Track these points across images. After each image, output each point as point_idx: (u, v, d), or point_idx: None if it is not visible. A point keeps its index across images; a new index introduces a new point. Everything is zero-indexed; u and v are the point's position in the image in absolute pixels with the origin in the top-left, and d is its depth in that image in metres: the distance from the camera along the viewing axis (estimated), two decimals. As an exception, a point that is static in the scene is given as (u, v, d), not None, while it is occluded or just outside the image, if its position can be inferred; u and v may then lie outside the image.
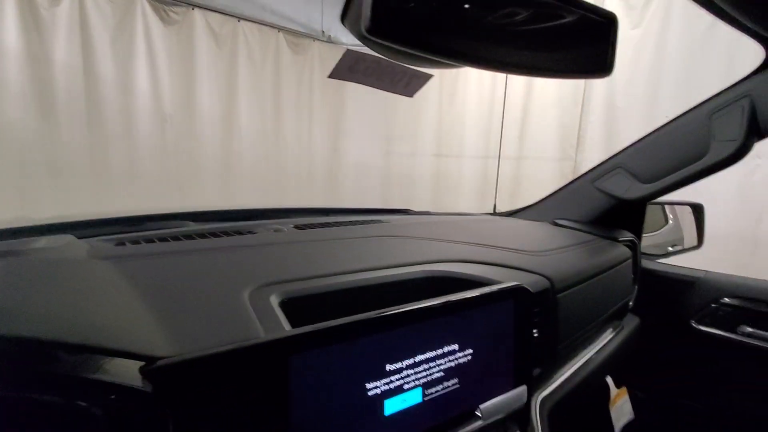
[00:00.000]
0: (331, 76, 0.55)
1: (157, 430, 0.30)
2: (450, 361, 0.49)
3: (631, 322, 0.97)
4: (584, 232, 1.00)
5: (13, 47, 2.19)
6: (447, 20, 0.35)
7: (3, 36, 2.15)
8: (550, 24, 0.41)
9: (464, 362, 0.50)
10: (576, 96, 2.84)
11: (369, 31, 0.30)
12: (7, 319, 0.28)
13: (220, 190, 2.90)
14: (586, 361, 0.79)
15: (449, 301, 0.48)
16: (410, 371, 0.45)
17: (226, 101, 2.98)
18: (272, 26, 3.10)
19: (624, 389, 0.86)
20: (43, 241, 0.50)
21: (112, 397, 0.29)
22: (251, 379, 0.34)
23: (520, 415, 0.57)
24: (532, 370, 0.61)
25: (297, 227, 0.76)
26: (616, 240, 0.97)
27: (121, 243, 0.55)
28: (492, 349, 0.53)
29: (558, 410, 0.66)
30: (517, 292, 0.56)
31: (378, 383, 0.42)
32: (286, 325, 0.41)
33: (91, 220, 0.70)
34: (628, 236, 1.01)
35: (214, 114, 2.94)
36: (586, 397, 0.81)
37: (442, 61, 0.40)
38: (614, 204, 1.02)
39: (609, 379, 0.86)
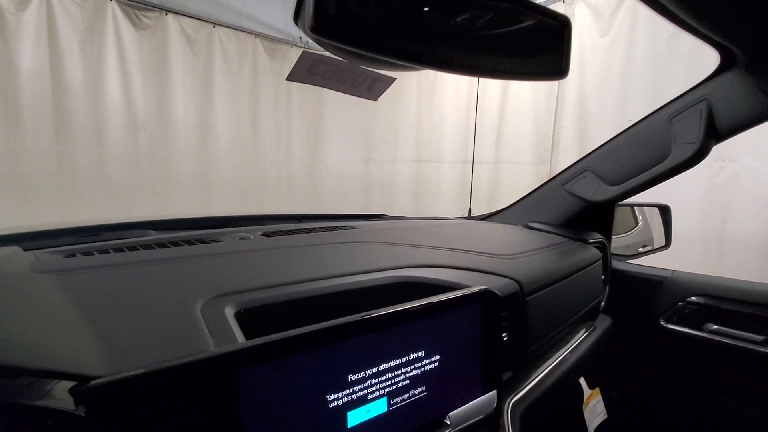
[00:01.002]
0: (289, 78, 0.54)
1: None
2: (416, 368, 0.48)
3: (603, 323, 0.98)
4: (555, 234, 1.02)
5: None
6: (396, 20, 0.34)
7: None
8: (504, 26, 0.41)
9: (431, 369, 0.49)
10: (550, 102, 2.90)
11: (312, 29, 0.29)
12: None
13: (196, 199, 2.84)
14: (559, 363, 0.79)
15: (413, 306, 0.47)
16: (374, 380, 0.44)
17: (201, 108, 2.93)
18: (249, 32, 3.07)
19: (597, 390, 0.87)
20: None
21: (42, 422, 0.27)
22: (198, 398, 0.32)
23: (491, 420, 0.56)
24: (502, 375, 0.61)
25: (265, 234, 0.74)
26: (586, 242, 0.99)
27: (72, 255, 0.53)
28: (460, 355, 0.52)
29: (531, 414, 0.66)
30: (484, 295, 0.55)
31: (339, 395, 0.41)
32: (240, 338, 0.39)
33: (42, 230, 0.67)
34: (598, 238, 1.02)
35: (190, 121, 2.88)
36: (560, 399, 0.81)
37: (395, 62, 0.39)
38: (584, 206, 1.04)
39: (582, 380, 0.87)
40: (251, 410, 0.35)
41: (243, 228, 0.82)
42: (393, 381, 0.45)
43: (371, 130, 3.72)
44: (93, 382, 0.28)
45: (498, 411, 0.57)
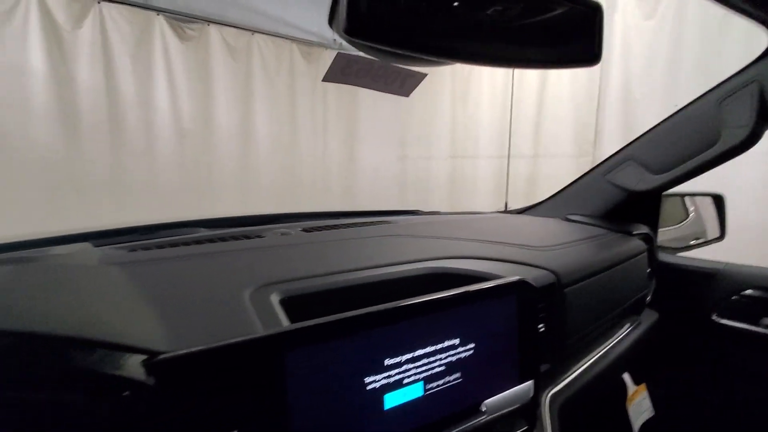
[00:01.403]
0: (325, 79, 0.57)
1: (159, 422, 0.32)
2: (451, 355, 0.49)
3: (649, 317, 0.95)
4: (596, 226, 0.99)
5: (39, 69, 2.30)
6: (426, 17, 0.36)
7: (29, 59, 2.27)
8: (535, 16, 0.41)
9: (466, 357, 0.50)
10: (591, 90, 2.79)
11: (347, 31, 0.31)
12: (22, 318, 0.30)
13: (237, 202, 2.96)
14: (600, 357, 0.77)
15: (448, 295, 0.48)
16: (410, 365, 0.45)
17: (242, 113, 3.05)
18: (285, 37, 3.17)
19: (643, 386, 0.84)
20: (60, 249, 0.53)
21: (118, 389, 0.31)
22: (249, 374, 0.35)
23: (528, 411, 0.56)
24: (540, 366, 0.61)
25: (304, 230, 0.78)
26: (629, 233, 0.95)
27: (134, 250, 0.58)
28: (495, 344, 0.53)
29: (570, 407, 0.65)
30: (519, 286, 0.55)
31: (377, 377, 0.43)
32: (285, 322, 0.42)
33: (108, 230, 0.74)
34: (642, 229, 0.98)
35: (231, 126, 3.01)
36: (601, 394, 0.79)
37: (427, 58, 0.40)
38: (626, 197, 1.00)
39: (626, 376, 0.84)
40: (296, 389, 0.37)
41: (284, 225, 0.86)
42: (429, 367, 0.47)
43: (406, 128, 3.73)
44: (161, 357, 0.31)
45: (535, 402, 0.57)
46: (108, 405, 0.31)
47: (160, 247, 0.60)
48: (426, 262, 0.60)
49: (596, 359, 0.76)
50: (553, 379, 0.66)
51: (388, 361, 0.44)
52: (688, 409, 1.00)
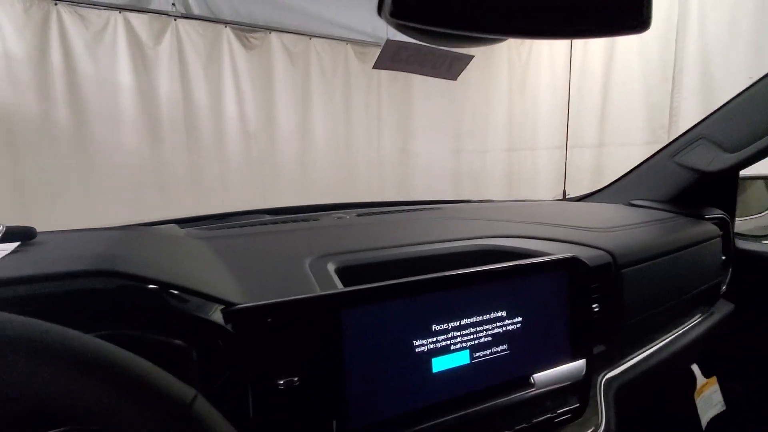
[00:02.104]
0: (375, 66, 0.60)
1: (233, 365, 0.37)
2: (498, 327, 0.50)
3: (723, 308, 0.88)
4: (662, 210, 0.93)
5: (126, 83, 2.59)
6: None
7: (118, 74, 2.56)
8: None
9: (513, 330, 0.51)
10: (665, 70, 2.57)
11: (393, 15, 0.34)
12: (136, 264, 0.36)
13: (297, 197, 3.11)
14: (666, 345, 0.74)
15: (494, 268, 0.50)
16: (457, 333, 0.48)
17: (301, 115, 3.20)
18: (340, 39, 3.27)
19: (713, 379, 0.78)
20: (152, 228, 0.62)
21: (205, 333, 0.37)
22: (308, 328, 0.40)
23: (580, 389, 0.56)
24: (593, 346, 0.60)
25: (358, 215, 0.83)
26: (700, 217, 0.89)
27: (211, 230, 0.66)
28: (544, 320, 0.53)
29: (628, 392, 0.63)
30: (571, 263, 0.55)
31: (425, 342, 0.46)
32: (340, 287, 0.47)
33: (189, 217, 0.84)
34: (716, 213, 0.91)
35: (291, 127, 3.18)
36: (665, 384, 0.75)
37: (473, 35, 0.42)
38: (698, 179, 0.93)
39: (695, 367, 0.79)
40: (350, 344, 0.41)
41: (339, 212, 0.91)
42: (475, 336, 0.49)
43: (460, 121, 3.69)
44: (237, 306, 0.37)
45: (587, 382, 0.56)
46: (198, 347, 0.36)
47: (232, 227, 0.68)
48: (475, 240, 0.62)
49: (660, 347, 0.73)
50: (610, 363, 0.65)
51: (435, 327, 0.46)
52: (763, 407, 0.91)
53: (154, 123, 2.71)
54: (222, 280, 0.42)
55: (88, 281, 0.29)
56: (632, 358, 0.68)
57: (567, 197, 1.25)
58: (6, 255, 0.30)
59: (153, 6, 2.62)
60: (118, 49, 2.55)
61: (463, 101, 3.59)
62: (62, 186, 2.44)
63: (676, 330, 0.78)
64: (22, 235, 0.33)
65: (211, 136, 2.90)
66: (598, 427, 0.56)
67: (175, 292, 0.35)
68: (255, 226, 0.69)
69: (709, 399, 0.75)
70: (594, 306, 0.60)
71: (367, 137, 3.51)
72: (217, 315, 0.36)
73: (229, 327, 0.36)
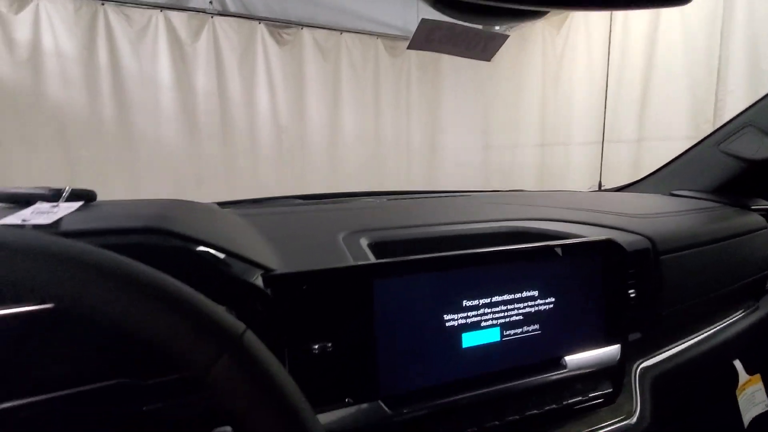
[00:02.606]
0: (410, 47, 0.61)
1: (270, 326, 0.39)
2: (529, 306, 0.50)
3: (771, 303, 0.83)
4: (707, 200, 0.89)
5: (166, 79, 2.70)
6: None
7: (159, 70, 2.67)
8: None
9: (545, 310, 0.51)
10: (710, 63, 2.44)
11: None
12: (186, 226, 0.38)
13: (326, 189, 3.16)
14: (706, 338, 0.71)
15: (528, 247, 0.50)
16: (488, 310, 0.48)
17: (331, 109, 3.24)
18: (371, 34, 3.29)
19: (757, 377, 0.74)
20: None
21: (248, 296, 0.38)
22: (342, 297, 0.41)
23: (614, 375, 0.55)
24: (629, 333, 0.58)
25: (388, 200, 0.84)
26: (747, 208, 0.85)
27: (246, 209, 0.69)
28: (578, 303, 0.53)
29: (664, 383, 0.62)
30: (606, 246, 0.54)
31: (455, 316, 0.46)
32: (373, 260, 0.48)
33: (224, 201, 0.88)
34: (763, 204, 0.87)
35: (322, 121, 3.23)
36: (704, 378, 0.73)
37: (512, 7, 0.42)
38: (744, 168, 0.89)
39: (738, 363, 0.75)
40: (382, 314, 0.42)
41: (370, 198, 0.92)
42: (505, 314, 0.49)
43: (490, 116, 3.63)
44: (277, 272, 0.38)
45: (621, 368, 0.55)
46: (239, 309, 0.38)
47: (267, 207, 0.70)
48: (507, 222, 0.62)
49: (700, 339, 0.70)
50: (646, 351, 0.63)
51: (466, 303, 0.47)
52: None
53: (191, 117, 2.81)
54: (261, 249, 0.44)
55: (143, 237, 0.31)
56: (670, 349, 0.66)
57: (603, 189, 1.21)
58: (72, 212, 0.32)
59: (191, 4, 2.72)
60: (159, 46, 2.66)
61: (493, 96, 3.53)
62: (108, 177, 2.57)
63: (718, 323, 0.75)
64: (85, 196, 0.36)
65: (245, 129, 2.99)
66: (631, 414, 0.55)
67: (221, 255, 0.37)
68: (289, 207, 0.71)
69: (752, 398, 0.71)
70: (630, 292, 0.59)
71: (396, 131, 3.51)
72: (257, 280, 0.38)
73: (268, 292, 0.38)
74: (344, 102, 3.27)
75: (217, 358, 0.19)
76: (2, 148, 2.34)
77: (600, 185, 1.25)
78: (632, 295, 0.59)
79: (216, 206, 0.66)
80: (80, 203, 0.35)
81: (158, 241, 0.32)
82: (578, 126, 3.18)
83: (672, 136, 2.68)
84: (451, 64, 3.48)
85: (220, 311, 0.20)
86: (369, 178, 3.37)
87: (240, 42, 2.91)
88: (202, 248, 0.36)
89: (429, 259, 0.45)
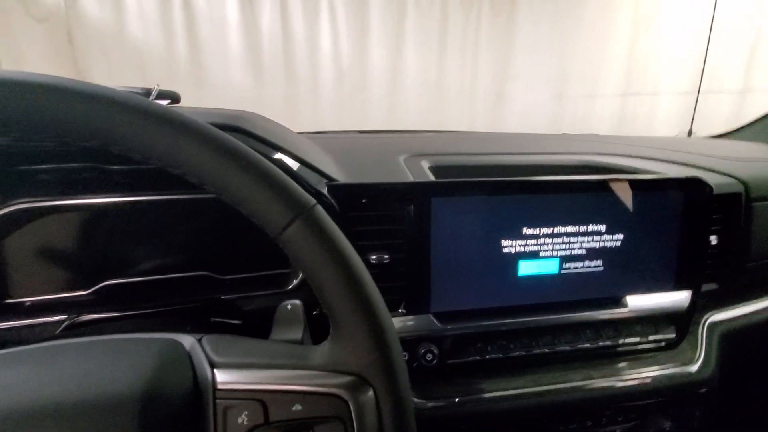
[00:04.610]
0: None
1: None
2: (594, 241, 0.47)
3: None
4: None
5: (233, 19, 2.74)
6: None
7: (226, 10, 2.71)
8: None
9: (611, 247, 0.48)
10: None
11: None
12: (263, 130, 0.41)
13: (386, 134, 3.13)
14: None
15: (596, 179, 0.46)
16: (548, 240, 0.46)
17: (393, 53, 3.13)
18: (442, -36, 3.06)
19: None
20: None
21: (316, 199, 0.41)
22: (401, 212, 0.41)
23: (679, 322, 0.52)
24: (702, 281, 0.54)
25: (451, 134, 0.81)
26: None
27: (311, 135, 0.71)
28: (649, 244, 0.49)
29: (734, 341, 0.57)
30: (691, 185, 0.49)
31: (513, 243, 0.45)
32: (432, 179, 0.47)
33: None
34: None
35: (382, 65, 3.13)
36: None
37: None
38: None
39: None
40: (438, 232, 0.42)
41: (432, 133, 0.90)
42: (567, 246, 0.47)
43: (567, 61, 3.30)
44: (341, 182, 0.40)
45: (689, 316, 0.52)
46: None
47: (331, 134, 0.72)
48: (581, 156, 0.58)
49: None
50: (719, 304, 0.58)
51: (525, 230, 0.45)
52: None
53: (256, 57, 2.85)
54: (327, 163, 0.46)
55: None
56: (747, 305, 0.60)
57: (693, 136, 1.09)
58: None
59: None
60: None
61: (574, 39, 3.19)
62: (181, 113, 2.73)
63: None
64: (170, 96, 0.39)
65: (307, 71, 2.99)
66: (692, 361, 0.52)
67: (292, 161, 0.38)
68: (352, 135, 0.72)
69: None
70: (712, 238, 0.54)
71: (461, 77, 3.33)
72: (323, 189, 0.40)
73: (333, 200, 0.39)
74: (407, 44, 3.13)
75: (291, 221, 0.21)
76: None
77: (690, 133, 1.12)
78: (714, 242, 0.54)
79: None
80: (167, 102, 0.37)
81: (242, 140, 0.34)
82: (670, 74, 2.82)
83: (787, 86, 2.31)
84: (528, 0, 3.17)
85: (295, 184, 0.22)
86: (429, 126, 3.28)
87: (304, -21, 2.84)
88: (275, 154, 0.37)
89: (490, 182, 0.43)
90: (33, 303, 0.42)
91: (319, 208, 0.22)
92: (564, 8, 3.11)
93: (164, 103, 0.37)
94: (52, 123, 0.18)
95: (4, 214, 0.38)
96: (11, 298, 0.42)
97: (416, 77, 3.22)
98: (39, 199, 0.39)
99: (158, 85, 0.38)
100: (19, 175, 0.38)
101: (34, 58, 2.37)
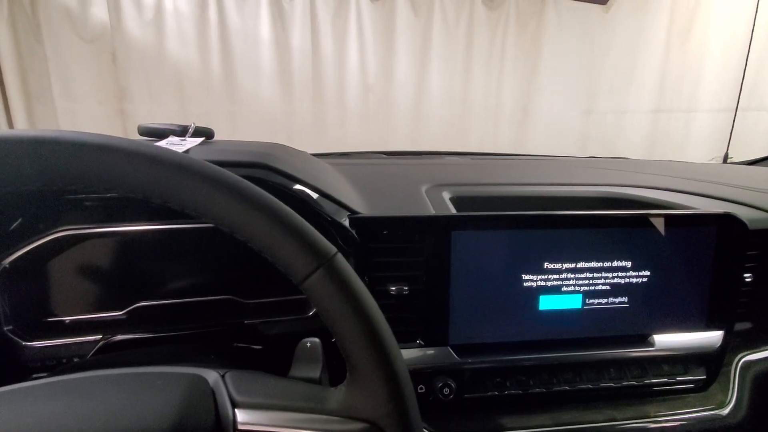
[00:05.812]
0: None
1: (352, 264, 0.42)
2: (619, 277, 0.47)
3: None
4: None
5: (266, 37, 2.84)
6: None
7: (258, 28, 2.81)
8: None
9: (637, 283, 0.47)
10: None
11: None
12: (286, 165, 0.42)
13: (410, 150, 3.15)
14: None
15: (621, 214, 0.46)
16: (570, 275, 0.45)
17: (418, 68, 3.16)
18: (468, -19, 3.08)
19: None
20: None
21: (337, 232, 0.42)
22: (421, 244, 0.42)
23: (710, 362, 0.50)
24: (736, 321, 0.52)
25: (473, 159, 0.81)
26: None
27: (335, 159, 0.72)
28: (678, 281, 0.48)
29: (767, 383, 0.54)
30: (724, 220, 0.48)
31: (534, 277, 0.45)
32: (454, 212, 0.48)
33: (316, 153, 0.93)
34: None
35: (408, 80, 3.17)
36: None
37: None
38: None
39: None
40: (458, 265, 0.43)
41: (454, 156, 0.91)
42: (590, 282, 0.46)
43: (597, 76, 3.25)
44: (362, 215, 0.41)
45: (721, 356, 0.49)
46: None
47: (354, 159, 0.73)
48: (602, 187, 0.57)
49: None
50: (754, 344, 0.56)
51: (547, 265, 0.45)
52: None
53: (286, 73, 2.94)
54: (349, 193, 0.47)
55: (251, 170, 0.35)
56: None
57: (730, 161, 1.05)
58: (196, 145, 0.38)
59: (290, -40, 2.77)
60: (261, 6, 2.79)
61: (603, 53, 3.13)
62: (214, 129, 2.84)
63: None
64: (205, 133, 0.41)
65: (334, 87, 3.06)
66: (724, 405, 0.49)
67: (314, 194, 0.40)
68: (375, 160, 0.73)
69: None
70: (747, 276, 0.51)
71: (485, 92, 3.32)
72: (344, 221, 0.41)
73: (353, 232, 0.40)
74: (433, 60, 3.16)
75: (315, 270, 0.22)
76: (131, 99, 2.69)
77: (726, 157, 1.08)
78: (748, 280, 0.52)
79: (310, 154, 0.71)
80: (202, 139, 0.40)
81: (262, 175, 0.36)
82: (707, 89, 2.72)
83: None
84: (556, 14, 3.15)
85: (317, 233, 0.23)
86: (453, 141, 3.27)
87: (334, -2, 2.92)
88: (298, 186, 0.39)
89: (511, 216, 0.43)
90: (72, 321, 0.45)
91: (340, 257, 0.23)
92: (594, 22, 3.07)
93: (199, 140, 0.40)
94: (99, 181, 0.20)
95: (50, 240, 0.41)
96: (53, 316, 0.45)
97: (441, 93, 3.23)
98: (82, 226, 0.41)
99: (194, 124, 0.41)
100: (66, 204, 0.41)
101: (81, 75, 2.54)
